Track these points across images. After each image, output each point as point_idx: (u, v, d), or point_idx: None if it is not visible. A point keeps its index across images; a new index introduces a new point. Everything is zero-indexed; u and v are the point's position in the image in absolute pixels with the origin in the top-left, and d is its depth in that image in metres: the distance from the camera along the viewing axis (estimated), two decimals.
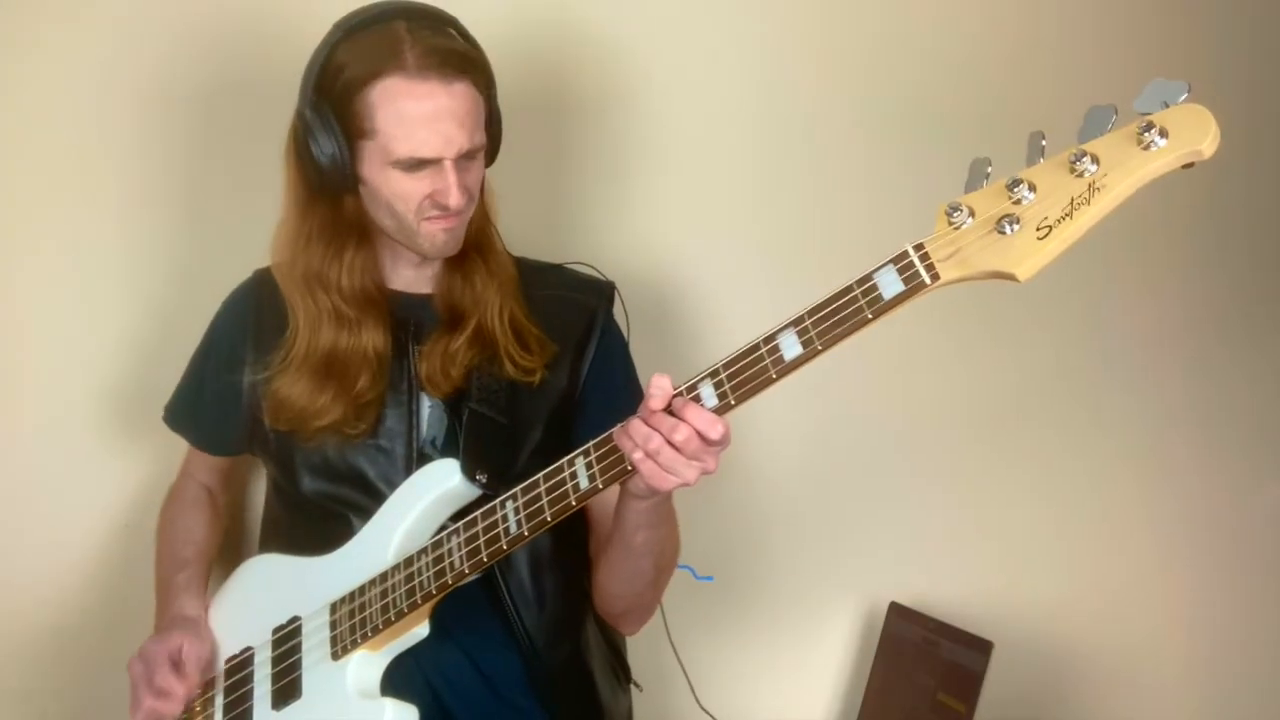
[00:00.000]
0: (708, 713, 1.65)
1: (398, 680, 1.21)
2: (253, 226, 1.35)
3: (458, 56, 1.20)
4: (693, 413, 1.02)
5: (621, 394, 1.37)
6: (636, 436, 1.04)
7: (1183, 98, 0.87)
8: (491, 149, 1.30)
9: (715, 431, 1.02)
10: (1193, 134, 0.86)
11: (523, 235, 1.44)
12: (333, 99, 1.20)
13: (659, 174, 1.73)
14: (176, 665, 1.25)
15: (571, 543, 1.37)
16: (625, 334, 1.45)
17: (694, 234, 1.73)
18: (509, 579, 1.30)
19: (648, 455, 1.04)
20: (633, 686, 1.47)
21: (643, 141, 1.72)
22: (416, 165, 1.20)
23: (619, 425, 1.07)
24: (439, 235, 1.25)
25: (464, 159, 1.22)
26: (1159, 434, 1.75)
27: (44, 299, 1.63)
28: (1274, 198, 1.81)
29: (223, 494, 1.53)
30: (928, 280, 0.95)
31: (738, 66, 1.73)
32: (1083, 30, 1.75)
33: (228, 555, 1.58)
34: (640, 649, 1.50)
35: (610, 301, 1.42)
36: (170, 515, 1.48)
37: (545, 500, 1.10)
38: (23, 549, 1.62)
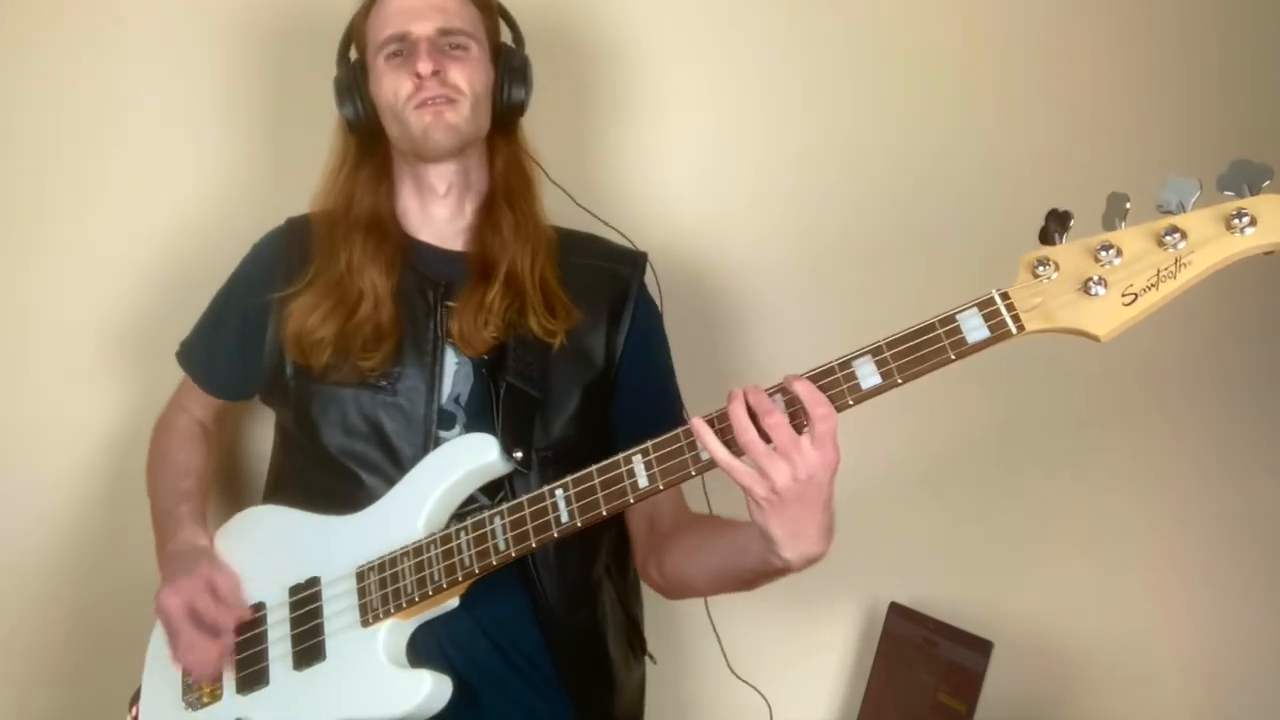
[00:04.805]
0: (745, 680, 1.65)
1: (416, 646, 1.22)
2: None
3: None
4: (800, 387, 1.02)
5: (657, 369, 1.41)
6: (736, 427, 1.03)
7: (1266, 183, 0.91)
8: (509, 85, 1.37)
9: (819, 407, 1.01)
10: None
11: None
12: (354, 38, 1.38)
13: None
14: (215, 595, 1.25)
15: None
16: (658, 305, 1.47)
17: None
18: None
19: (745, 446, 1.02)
20: (647, 659, 1.47)
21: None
22: (395, 49, 1.31)
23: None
24: (426, 115, 1.30)
25: (445, 41, 1.31)
26: (1159, 434, 1.74)
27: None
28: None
29: (215, 430, 1.52)
30: (1014, 330, 0.99)
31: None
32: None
33: (224, 499, 1.60)
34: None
35: (643, 272, 1.43)
36: (165, 446, 1.47)
37: (601, 495, 1.11)
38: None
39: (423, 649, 1.22)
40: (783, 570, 1.12)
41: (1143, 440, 1.74)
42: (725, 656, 1.64)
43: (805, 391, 1.02)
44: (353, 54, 1.41)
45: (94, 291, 1.66)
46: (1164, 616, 1.73)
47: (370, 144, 1.39)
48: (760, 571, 1.15)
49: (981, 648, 1.51)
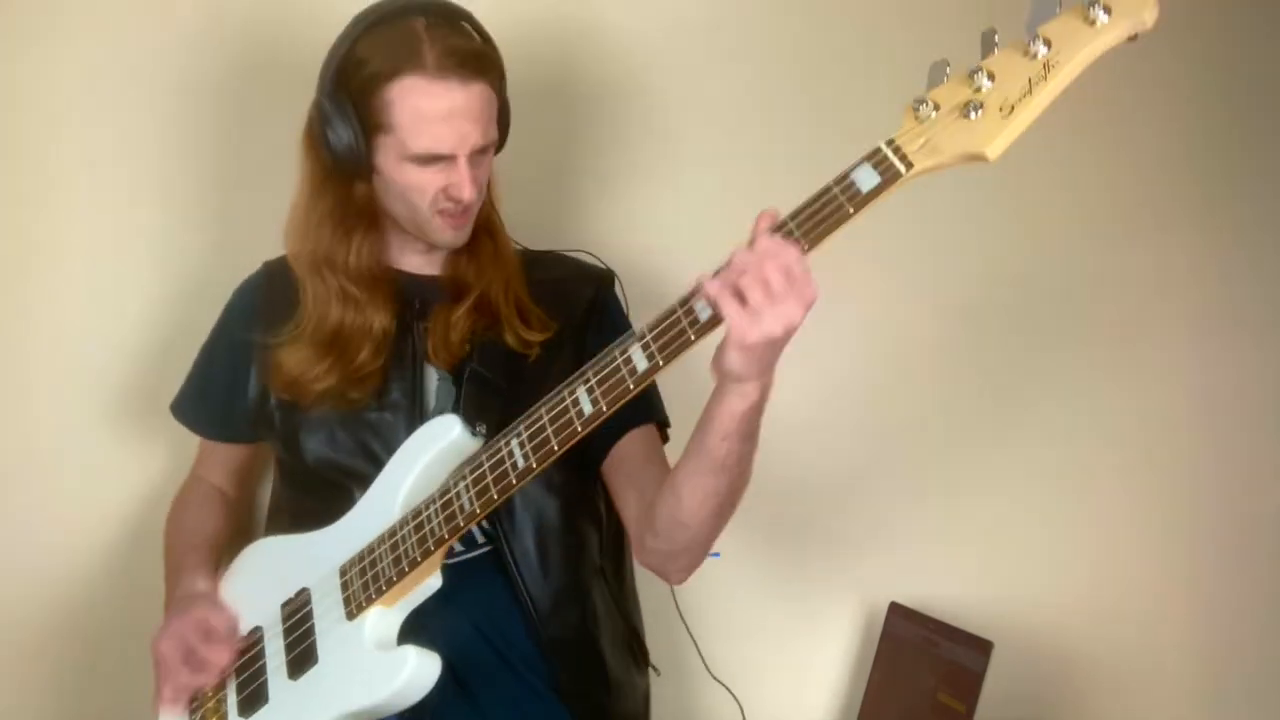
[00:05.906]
0: (721, 682, 1.66)
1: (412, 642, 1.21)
2: (269, 221, 1.38)
3: (475, 57, 1.24)
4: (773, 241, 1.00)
5: None
6: (728, 275, 1.01)
7: None
8: (500, 139, 1.35)
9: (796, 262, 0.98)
10: (1133, 5, 0.93)
11: (525, 229, 1.47)
12: (351, 91, 1.24)
13: (662, 172, 1.73)
14: (209, 635, 1.26)
15: (581, 512, 1.38)
16: (626, 316, 1.46)
17: (696, 231, 1.69)
18: (514, 545, 1.31)
19: (734, 294, 1.00)
20: (651, 670, 1.47)
21: (646, 139, 1.73)
22: (431, 160, 1.25)
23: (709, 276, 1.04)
24: (448, 230, 1.31)
25: (476, 154, 1.27)
26: (1159, 434, 1.74)
27: (58, 296, 1.64)
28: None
29: (235, 494, 1.53)
30: (902, 170, 0.99)
31: (736, 65, 1.73)
32: None
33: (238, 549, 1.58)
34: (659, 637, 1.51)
35: (610, 286, 1.45)
36: (179, 514, 1.49)
37: (550, 430, 1.11)
38: (29, 548, 1.63)
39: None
40: (744, 395, 1.07)
41: (1145, 441, 1.74)
42: (701, 657, 1.65)
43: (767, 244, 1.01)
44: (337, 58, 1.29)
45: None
46: (1164, 617, 1.73)
47: (347, 183, 1.31)
48: (726, 418, 1.09)
49: (981, 648, 1.51)
